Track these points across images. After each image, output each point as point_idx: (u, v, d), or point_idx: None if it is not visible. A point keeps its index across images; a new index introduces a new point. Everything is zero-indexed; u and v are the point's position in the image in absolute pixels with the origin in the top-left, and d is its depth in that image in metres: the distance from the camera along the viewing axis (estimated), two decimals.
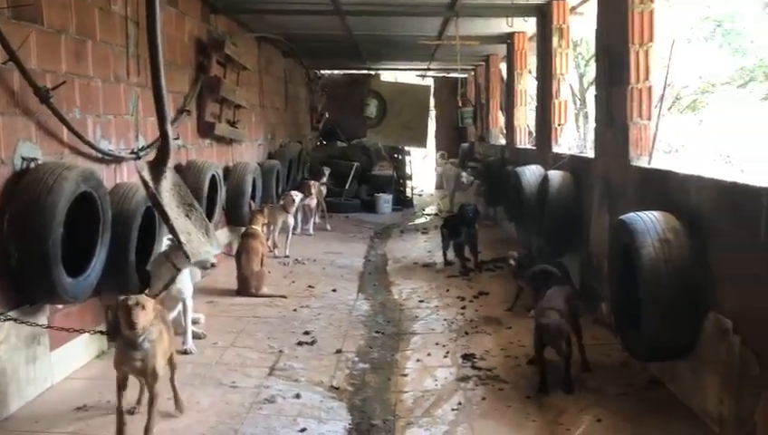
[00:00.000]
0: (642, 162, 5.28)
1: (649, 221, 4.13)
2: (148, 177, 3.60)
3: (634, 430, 3.98)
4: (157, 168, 3.67)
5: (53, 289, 4.11)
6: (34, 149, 4.33)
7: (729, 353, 3.73)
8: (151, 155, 5.36)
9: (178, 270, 4.74)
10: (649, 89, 5.33)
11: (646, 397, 4.42)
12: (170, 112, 6.64)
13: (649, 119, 5.35)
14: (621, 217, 4.40)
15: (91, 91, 5.10)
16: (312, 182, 11.00)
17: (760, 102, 14.62)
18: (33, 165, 4.24)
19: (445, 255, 8.64)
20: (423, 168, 20.38)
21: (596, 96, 6.37)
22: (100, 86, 5.25)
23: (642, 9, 5.27)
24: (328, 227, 11.35)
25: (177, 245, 4.21)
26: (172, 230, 3.62)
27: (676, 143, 14.09)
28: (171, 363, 4.05)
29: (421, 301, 7.13)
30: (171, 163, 6.56)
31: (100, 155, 5.14)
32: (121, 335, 3.59)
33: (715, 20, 15.33)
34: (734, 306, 3.73)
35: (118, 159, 5.46)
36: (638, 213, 4.28)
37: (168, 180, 3.72)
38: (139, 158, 5.64)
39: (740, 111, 14.43)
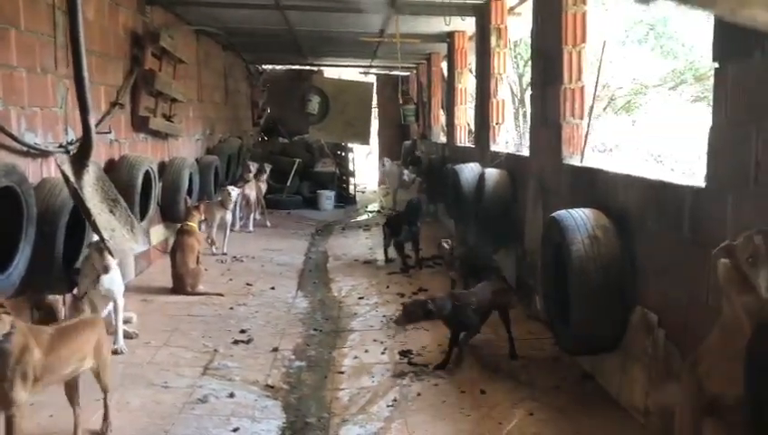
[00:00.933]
0: (574, 161, 5.40)
1: (579, 218, 4.22)
2: (69, 171, 3.47)
3: (565, 422, 4.06)
4: (79, 162, 3.55)
5: None
6: None
7: (654, 347, 3.85)
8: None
9: (105, 270, 4.60)
10: (582, 89, 5.45)
11: (577, 391, 4.52)
12: (101, 105, 6.50)
13: (582, 118, 5.47)
14: (553, 214, 4.49)
15: (14, 81, 4.89)
16: (252, 164, 10.88)
17: (690, 104, 15.14)
18: None
19: (386, 252, 8.66)
20: (366, 165, 20.39)
21: (531, 95, 6.49)
22: (25, 77, 5.03)
23: (575, 11, 5.38)
24: (268, 223, 11.24)
25: (97, 243, 4.07)
26: (94, 227, 3.50)
27: (610, 143, 14.47)
28: (101, 379, 3.67)
29: (361, 298, 7.12)
30: (103, 158, 6.44)
31: (24, 148, 4.94)
32: None
33: (648, 23, 15.82)
34: (659, 301, 3.85)
35: (45, 154, 5.26)
36: (568, 210, 4.37)
37: (91, 175, 3.60)
38: (68, 152, 5.44)
39: (671, 113, 14.92)
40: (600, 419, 4.11)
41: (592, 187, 4.78)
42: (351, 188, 15.48)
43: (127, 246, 3.79)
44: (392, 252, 8.56)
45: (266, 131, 16.56)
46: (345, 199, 14.88)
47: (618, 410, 4.18)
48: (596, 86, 5.52)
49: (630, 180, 4.26)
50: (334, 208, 14.04)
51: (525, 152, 6.86)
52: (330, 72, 17.64)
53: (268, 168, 12.53)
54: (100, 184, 3.70)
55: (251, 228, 10.68)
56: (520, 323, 5.78)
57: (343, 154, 15.60)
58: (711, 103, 3.38)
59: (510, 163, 7.03)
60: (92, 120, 3.63)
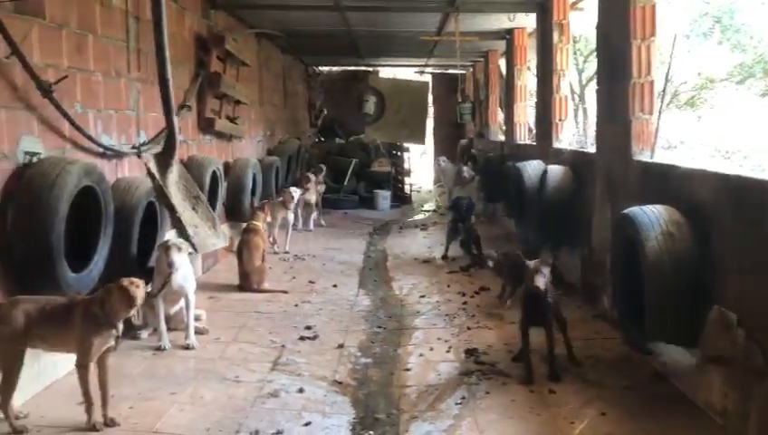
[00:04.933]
0: (644, 157, 5.28)
1: (653, 215, 4.13)
2: (154, 169, 3.58)
3: (638, 423, 3.99)
4: (163, 160, 3.65)
5: (57, 284, 4.09)
6: (36, 144, 4.32)
7: (734, 346, 3.74)
8: (152, 151, 5.34)
9: (170, 266, 4.70)
10: (651, 83, 5.33)
11: (648, 391, 4.42)
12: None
13: (651, 113, 5.35)
14: (625, 211, 4.40)
15: (91, 85, 5.08)
16: (311, 175, 11.03)
17: (758, 98, 14.62)
18: (35, 159, 4.23)
19: (447, 249, 8.71)
20: (421, 164, 20.39)
21: (597, 91, 6.37)
22: (101, 81, 5.23)
23: (644, 4, 5.27)
24: (323, 222, 11.38)
25: (165, 242, 4.13)
26: (179, 223, 3.60)
27: (674, 139, 14.11)
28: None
29: (422, 296, 7.12)
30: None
31: (101, 150, 5.12)
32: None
33: (714, 16, 15.34)
34: (739, 299, 3.74)
35: (119, 155, 5.44)
36: (641, 207, 4.28)
37: (175, 173, 3.70)
38: (140, 153, 5.62)
39: (739, 108, 14.44)
40: (676, 419, 4.02)
41: (664, 183, 4.67)
42: (407, 187, 15.52)
43: (210, 242, 3.88)
44: (452, 250, 8.60)
45: (323, 132, 16.75)
46: (401, 199, 14.93)
47: (694, 411, 4.08)
48: (666, 81, 5.39)
49: (706, 176, 4.15)
50: (390, 208, 14.09)
51: (590, 149, 6.74)
52: (385, 72, 17.71)
53: (324, 168, 12.64)
54: (183, 182, 3.80)
55: (311, 227, 10.85)
56: (586, 324, 5.70)
57: (399, 154, 15.65)
58: None
59: (574, 160, 6.92)
60: (176, 120, 3.73)
